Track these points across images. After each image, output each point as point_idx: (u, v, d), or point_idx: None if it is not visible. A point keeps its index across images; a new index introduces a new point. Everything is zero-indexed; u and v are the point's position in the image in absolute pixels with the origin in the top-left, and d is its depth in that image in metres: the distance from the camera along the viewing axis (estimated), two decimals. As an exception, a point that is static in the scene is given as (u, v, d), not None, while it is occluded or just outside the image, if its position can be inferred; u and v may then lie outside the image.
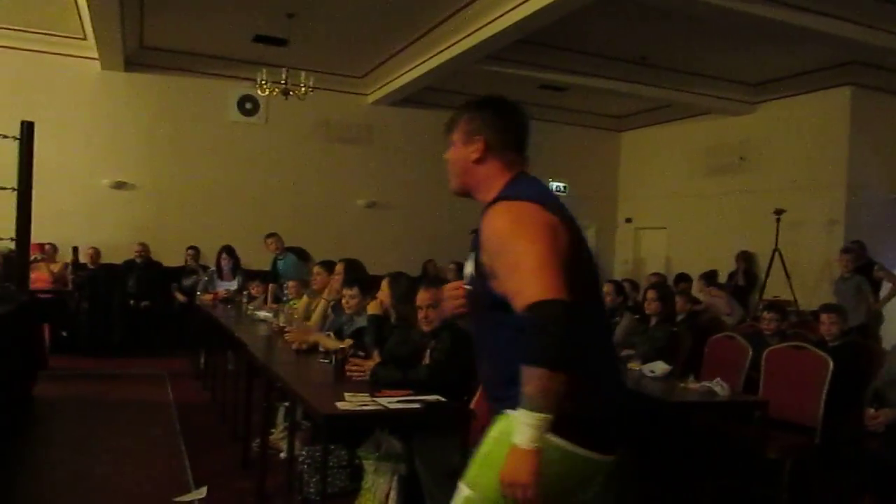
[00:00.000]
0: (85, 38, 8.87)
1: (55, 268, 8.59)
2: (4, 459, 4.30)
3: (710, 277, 8.38)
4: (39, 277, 8.20)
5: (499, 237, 1.65)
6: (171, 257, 9.14)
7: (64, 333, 7.95)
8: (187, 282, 8.74)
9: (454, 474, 2.50)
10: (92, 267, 8.60)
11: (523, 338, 1.54)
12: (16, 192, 5.33)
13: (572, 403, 1.55)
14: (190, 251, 9.09)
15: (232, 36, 8.84)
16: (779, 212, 8.73)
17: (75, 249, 8.78)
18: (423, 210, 10.52)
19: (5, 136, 4.95)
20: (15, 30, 8.69)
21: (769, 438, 3.82)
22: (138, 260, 8.81)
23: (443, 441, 2.92)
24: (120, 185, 9.55)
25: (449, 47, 8.08)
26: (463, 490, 1.70)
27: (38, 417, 5.51)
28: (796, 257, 8.88)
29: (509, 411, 1.62)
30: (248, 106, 10.16)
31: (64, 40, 9.03)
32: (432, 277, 5.47)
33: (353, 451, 3.21)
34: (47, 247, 8.56)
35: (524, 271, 1.57)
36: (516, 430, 1.53)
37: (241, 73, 9.45)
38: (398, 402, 2.92)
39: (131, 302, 8.58)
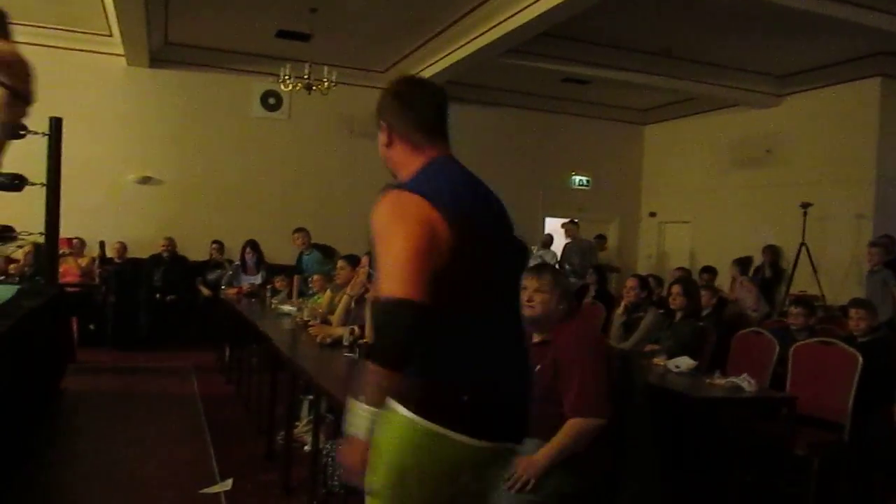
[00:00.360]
0: (111, 35, 8.97)
1: (83, 262, 8.73)
2: (33, 450, 4.37)
3: (744, 265, 8.21)
4: (68, 271, 8.34)
5: (376, 227, 1.65)
6: (196, 251, 9.23)
7: (91, 327, 8.07)
8: (212, 276, 8.82)
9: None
10: (119, 261, 8.72)
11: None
12: (44, 188, 5.41)
13: (442, 389, 1.62)
14: (214, 245, 9.17)
15: (255, 31, 8.89)
16: (805, 205, 8.61)
17: (102, 244, 8.91)
18: (446, 204, 10.49)
19: (34, 133, 5.00)
20: (43, 27, 8.79)
21: (797, 435, 3.78)
22: (164, 254, 8.91)
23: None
24: (146, 181, 9.66)
25: (471, 41, 8.06)
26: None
27: (66, 409, 5.60)
28: (824, 251, 8.75)
29: (395, 405, 1.67)
30: (271, 101, 10.21)
31: (90, 37, 9.14)
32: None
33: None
34: (75, 241, 8.69)
35: (388, 264, 1.58)
36: (351, 420, 1.60)
37: (264, 68, 9.49)
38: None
39: (157, 296, 8.67)
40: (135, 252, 8.93)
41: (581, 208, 11.71)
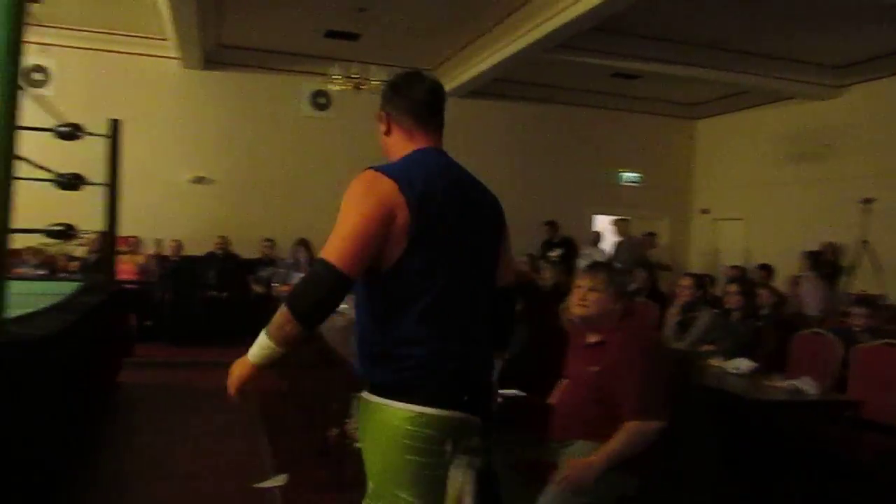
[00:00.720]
0: (166, 39, 9.17)
1: (140, 259, 8.95)
2: (91, 443, 4.49)
3: (815, 258, 7.90)
4: (126, 269, 8.56)
5: (344, 198, 1.81)
6: (248, 249, 9.38)
7: (148, 323, 8.27)
8: (264, 273, 8.97)
9: (531, 468, 2.48)
10: (174, 259, 8.91)
11: None
12: (104, 187, 5.56)
13: (412, 374, 1.77)
14: (266, 243, 9.32)
15: (304, 32, 8.99)
16: (867, 201, 8.31)
17: (158, 242, 9.13)
18: (494, 202, 10.46)
19: (95, 135, 5.15)
20: (104, 32, 9.07)
21: (860, 441, 3.65)
22: (218, 252, 9.08)
23: (520, 435, 2.90)
24: (199, 180, 9.86)
25: (520, 37, 7.99)
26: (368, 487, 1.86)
27: (123, 403, 5.74)
28: (886, 249, 8.44)
29: (366, 395, 1.84)
30: (320, 101, 10.32)
31: (147, 41, 9.37)
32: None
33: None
34: (132, 239, 8.92)
35: (338, 234, 1.75)
36: (254, 346, 1.79)
37: (313, 68, 9.58)
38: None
39: (211, 293, 8.85)
40: (190, 250, 9.12)
41: (631, 205, 11.53)
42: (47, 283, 5.63)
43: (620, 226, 10.36)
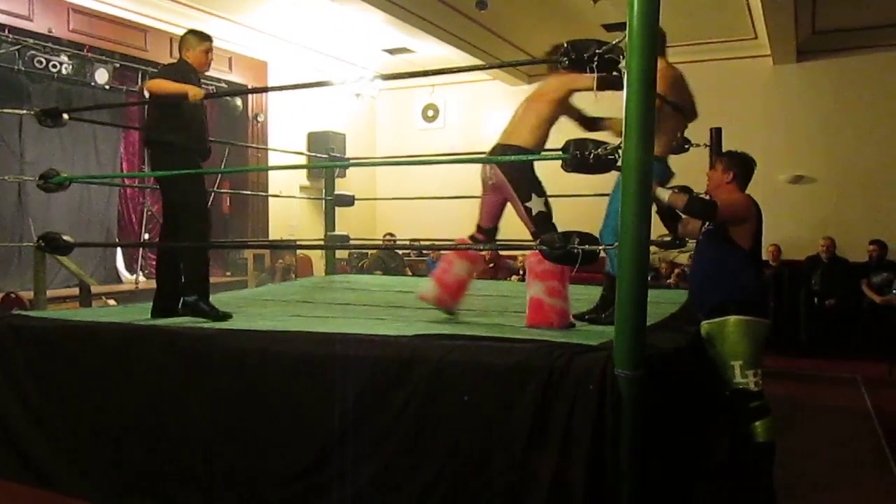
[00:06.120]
0: (756, 38, 8.97)
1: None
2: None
3: None
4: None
5: None
6: (857, 252, 8.43)
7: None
8: (877, 279, 7.93)
9: None
10: (774, 264, 8.59)
11: None
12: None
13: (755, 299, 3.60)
14: (872, 246, 8.22)
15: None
16: None
17: (757, 247, 8.92)
18: None
19: (697, 145, 5.28)
20: (695, 44, 9.36)
21: None
22: (822, 255, 8.41)
23: None
24: (797, 180, 9.32)
25: None
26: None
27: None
28: None
29: None
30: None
31: (736, 44, 9.30)
32: None
33: None
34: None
35: None
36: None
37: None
38: None
39: (816, 300, 8.23)
40: (789, 254, 8.67)
41: None
42: (659, 291, 5.99)
43: None
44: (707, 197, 3.62)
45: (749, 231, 3.51)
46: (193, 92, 3.86)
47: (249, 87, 9.27)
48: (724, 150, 5.79)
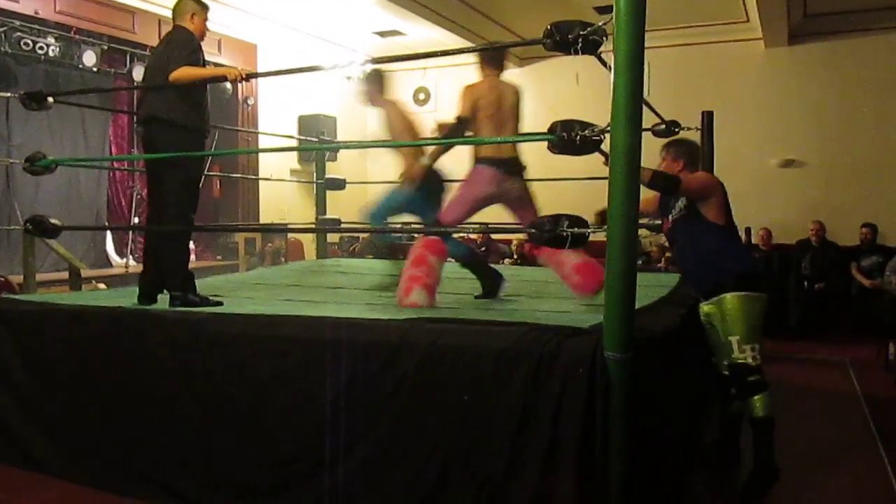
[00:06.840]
0: (747, 21, 8.94)
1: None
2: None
3: None
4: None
5: None
6: (847, 236, 8.46)
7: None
8: (866, 262, 7.97)
9: None
10: (764, 248, 8.61)
11: None
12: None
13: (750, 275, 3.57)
14: (864, 229, 8.25)
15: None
16: None
17: (748, 230, 8.93)
18: None
19: (688, 128, 5.27)
20: (687, 27, 9.34)
21: None
22: (812, 240, 8.43)
23: None
24: (788, 164, 9.33)
25: None
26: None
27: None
28: None
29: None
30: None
31: (728, 27, 9.28)
32: None
33: None
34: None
35: None
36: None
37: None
38: None
39: (805, 284, 8.26)
40: (780, 238, 8.70)
41: None
42: (648, 275, 6.01)
43: None
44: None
45: (717, 205, 3.50)
46: (234, 74, 3.77)
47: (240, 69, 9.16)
48: (714, 134, 5.81)
